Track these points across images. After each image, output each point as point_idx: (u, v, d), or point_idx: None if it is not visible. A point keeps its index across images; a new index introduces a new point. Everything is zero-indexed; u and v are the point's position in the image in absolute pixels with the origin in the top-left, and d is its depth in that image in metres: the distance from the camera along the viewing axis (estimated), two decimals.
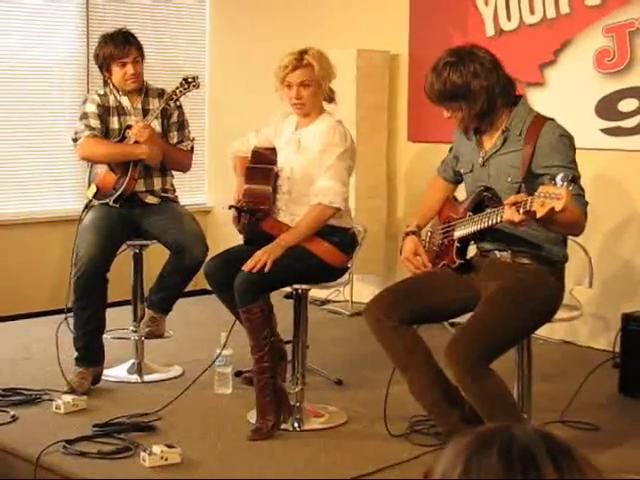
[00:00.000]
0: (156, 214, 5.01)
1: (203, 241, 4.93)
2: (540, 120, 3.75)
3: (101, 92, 5.09)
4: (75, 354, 4.91)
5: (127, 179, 4.95)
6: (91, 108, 5.04)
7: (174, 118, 5.12)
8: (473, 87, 3.68)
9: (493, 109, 3.75)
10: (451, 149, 4.15)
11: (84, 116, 5.04)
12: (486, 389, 3.62)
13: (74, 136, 5.06)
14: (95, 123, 5.01)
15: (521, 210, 3.31)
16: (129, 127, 4.98)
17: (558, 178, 3.23)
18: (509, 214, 3.35)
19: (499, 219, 3.53)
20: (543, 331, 5.56)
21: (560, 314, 3.92)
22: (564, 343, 5.86)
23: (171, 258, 4.97)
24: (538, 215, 3.22)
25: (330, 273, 4.49)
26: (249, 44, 7.42)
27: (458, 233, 3.86)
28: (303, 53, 4.43)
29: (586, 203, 3.61)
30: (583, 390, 4.67)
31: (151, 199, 5.06)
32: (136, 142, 4.92)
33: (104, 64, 5.03)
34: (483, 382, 3.60)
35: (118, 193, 4.97)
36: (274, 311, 4.47)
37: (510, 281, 3.73)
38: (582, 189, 3.61)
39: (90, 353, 4.92)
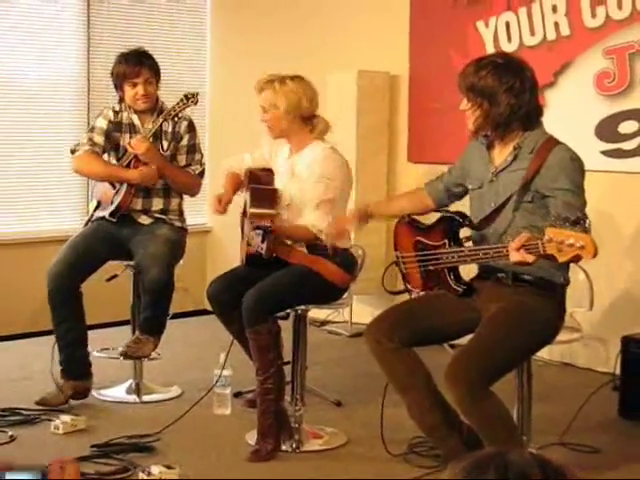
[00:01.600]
0: (140, 234, 5.01)
1: (161, 263, 4.86)
2: (552, 142, 3.76)
3: (117, 108, 5.13)
4: (61, 368, 4.96)
5: (122, 195, 4.98)
6: (100, 123, 5.08)
7: (184, 141, 5.10)
8: (500, 98, 3.70)
9: (508, 126, 3.76)
10: (450, 169, 4.13)
11: (91, 129, 5.11)
12: (486, 411, 3.61)
13: (73, 147, 5.10)
14: (98, 139, 5.05)
15: (533, 254, 3.33)
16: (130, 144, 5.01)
17: (571, 218, 3.28)
18: (520, 257, 3.38)
19: (504, 260, 3.54)
20: (543, 353, 5.57)
21: (560, 336, 3.91)
22: (564, 365, 5.85)
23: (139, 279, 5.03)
24: (561, 260, 3.26)
25: (334, 293, 4.51)
26: (250, 64, 7.43)
27: (449, 264, 3.85)
28: (270, 81, 4.48)
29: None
30: (583, 412, 4.66)
31: (143, 219, 5.07)
32: (135, 157, 4.93)
33: (117, 82, 5.07)
34: (483, 404, 3.60)
35: (112, 208, 5.00)
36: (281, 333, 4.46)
37: (511, 303, 3.73)
38: (585, 218, 3.61)
39: (71, 366, 4.94)
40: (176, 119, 5.07)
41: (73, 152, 5.09)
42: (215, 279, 4.58)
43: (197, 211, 7.47)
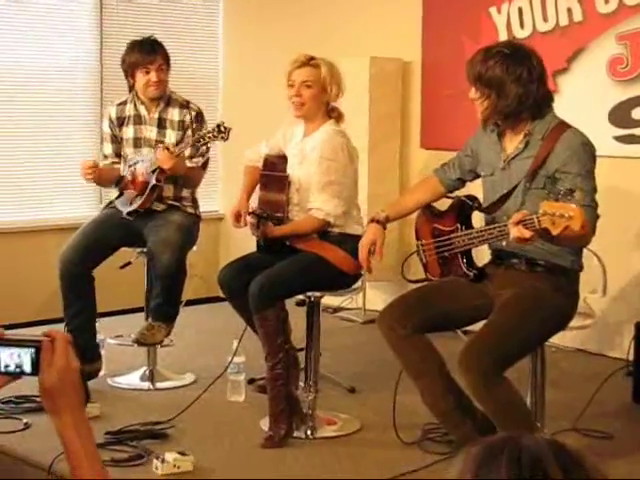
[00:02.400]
0: (154, 220, 5.02)
1: (173, 249, 4.87)
2: (563, 126, 3.75)
3: (122, 99, 5.16)
4: None
5: (143, 199, 5.00)
6: (105, 127, 5.22)
7: (190, 132, 5.10)
8: (508, 88, 3.68)
9: (517, 116, 3.76)
10: (460, 155, 4.12)
11: (102, 138, 5.28)
12: (500, 397, 3.61)
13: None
14: (108, 149, 5.20)
15: (530, 228, 3.32)
16: (161, 142, 5.01)
17: (562, 190, 3.27)
18: (517, 232, 3.36)
19: (506, 238, 3.54)
20: (556, 339, 5.55)
21: (574, 322, 3.91)
22: (577, 351, 5.84)
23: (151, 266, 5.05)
24: (554, 233, 3.24)
25: (344, 280, 4.50)
26: (262, 51, 7.44)
27: (461, 248, 3.86)
28: (318, 58, 4.46)
29: (597, 217, 3.60)
30: (596, 398, 4.65)
31: (157, 205, 5.08)
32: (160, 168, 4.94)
33: (129, 70, 5.08)
34: (497, 390, 3.60)
35: (131, 209, 5.03)
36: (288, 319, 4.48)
37: (524, 289, 3.73)
38: (595, 202, 3.61)
39: (79, 350, 4.94)
40: (184, 109, 5.10)
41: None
42: (226, 265, 4.59)
43: (210, 198, 7.48)
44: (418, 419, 4.33)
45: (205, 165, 5.20)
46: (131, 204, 5.04)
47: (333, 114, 4.52)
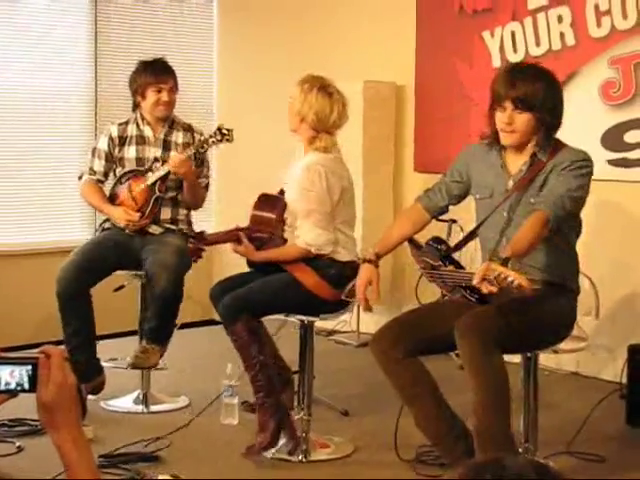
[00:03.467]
0: (151, 243, 5.04)
1: (170, 272, 4.87)
2: (560, 145, 3.81)
3: (122, 120, 5.19)
4: None
5: (148, 212, 5.03)
6: (102, 144, 5.18)
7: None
8: (559, 109, 3.79)
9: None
10: (446, 173, 4.12)
11: (92, 153, 5.21)
12: (493, 368, 3.58)
13: (80, 173, 5.26)
14: (99, 166, 5.16)
15: (494, 285, 3.38)
16: (157, 160, 5.05)
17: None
18: (485, 290, 3.42)
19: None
20: (549, 362, 5.59)
21: (567, 345, 3.93)
22: (571, 374, 5.85)
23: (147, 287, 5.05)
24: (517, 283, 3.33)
25: (323, 305, 4.45)
26: (255, 74, 7.47)
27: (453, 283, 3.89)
28: (318, 82, 4.48)
29: (563, 215, 3.66)
30: (590, 421, 4.66)
31: (154, 229, 5.10)
32: (166, 176, 4.99)
33: (139, 89, 5.11)
34: (492, 359, 3.57)
35: (134, 228, 5.06)
36: (270, 335, 4.48)
37: (522, 295, 3.77)
38: (569, 203, 3.67)
39: (77, 369, 4.96)
40: (188, 131, 5.16)
41: (80, 178, 5.25)
42: (219, 281, 4.63)
43: (204, 218, 7.49)
44: (413, 441, 4.32)
45: (207, 187, 5.25)
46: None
47: (319, 144, 4.50)
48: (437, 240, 3.96)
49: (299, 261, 4.41)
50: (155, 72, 5.09)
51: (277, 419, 4.37)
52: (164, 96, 5.08)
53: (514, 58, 6.06)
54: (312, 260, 4.41)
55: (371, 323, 6.40)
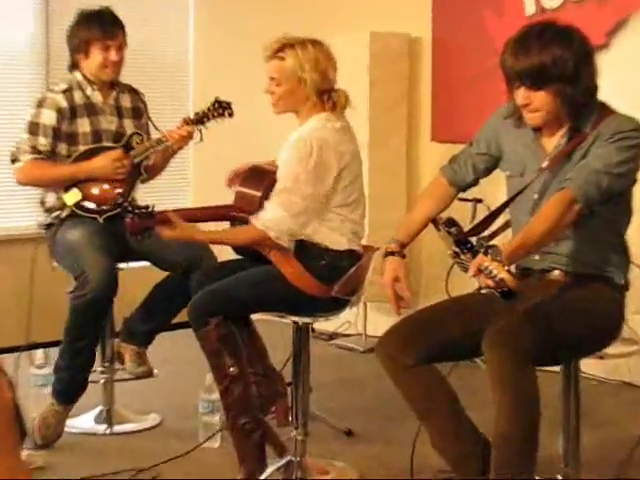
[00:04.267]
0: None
1: (212, 251, 4.92)
2: (605, 112, 3.76)
3: (63, 86, 5.07)
4: (54, 386, 4.96)
5: (131, 196, 4.99)
6: (49, 119, 5.00)
7: (144, 119, 5.19)
8: (581, 77, 3.69)
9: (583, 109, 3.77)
10: (472, 142, 4.09)
11: (34, 130, 5.00)
12: (524, 387, 3.55)
13: (13, 156, 5.05)
14: (44, 143, 4.99)
15: (490, 278, 3.36)
16: (137, 134, 5.04)
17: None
18: (483, 283, 3.42)
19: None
20: (596, 369, 5.56)
21: (615, 349, 3.90)
22: (622, 384, 5.85)
23: (174, 279, 4.95)
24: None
25: (312, 303, 4.39)
26: (240, 22, 7.43)
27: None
28: (287, 45, 4.42)
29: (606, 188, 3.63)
30: None
31: None
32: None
33: (81, 46, 5.03)
34: (525, 380, 3.54)
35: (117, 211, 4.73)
36: (258, 338, 4.48)
37: (563, 292, 3.73)
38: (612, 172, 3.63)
39: (72, 388, 4.98)
40: (133, 94, 5.19)
41: (14, 162, 5.05)
42: (201, 271, 4.64)
43: (180, 203, 7.46)
44: (429, 462, 4.26)
45: None
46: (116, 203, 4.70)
47: (327, 103, 4.50)
48: (449, 222, 3.90)
49: (282, 247, 4.34)
50: (102, 25, 5.01)
51: (256, 442, 4.35)
52: (112, 55, 5.01)
53: (550, 4, 6.04)
54: (301, 248, 4.36)
55: (380, 324, 6.36)
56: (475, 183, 4.12)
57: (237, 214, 4.43)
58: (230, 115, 5.00)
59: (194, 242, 4.49)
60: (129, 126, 5.09)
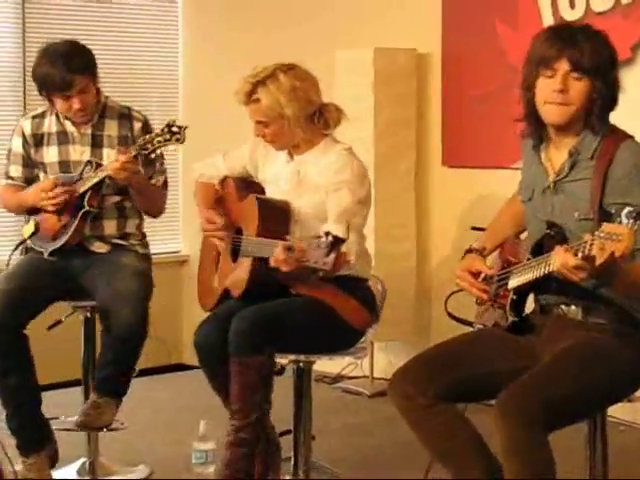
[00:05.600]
0: (96, 267, 4.98)
1: (135, 303, 4.83)
2: (616, 138, 3.73)
3: (38, 111, 5.10)
4: (15, 441, 4.90)
5: (72, 230, 4.95)
6: (16, 145, 5.10)
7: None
8: (612, 74, 3.73)
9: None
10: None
11: (8, 156, 5.16)
12: (536, 461, 3.53)
13: None
14: (16, 171, 5.12)
15: (579, 254, 3.29)
16: (90, 163, 4.99)
17: (624, 213, 3.21)
18: (561, 258, 3.35)
19: (550, 267, 3.51)
20: (625, 413, 5.53)
21: None
22: None
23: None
24: (597, 262, 3.21)
25: (349, 337, 4.50)
26: (234, 37, 7.44)
27: (513, 282, 3.84)
28: (258, 84, 4.43)
29: None
30: None
31: (98, 246, 5.03)
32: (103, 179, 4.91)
33: (43, 92, 5.00)
34: (536, 449, 3.51)
35: (57, 245, 4.94)
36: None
37: (583, 339, 3.70)
38: None
39: (33, 432, 4.93)
40: (125, 119, 5.06)
41: None
42: (202, 323, 4.54)
43: (169, 235, 7.45)
44: None
45: (165, 185, 5.17)
46: (55, 239, 4.98)
47: (318, 124, 4.53)
48: (551, 223, 3.87)
49: (324, 282, 4.34)
50: (56, 73, 4.89)
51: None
52: (75, 104, 4.93)
53: (571, 16, 6.04)
54: (337, 280, 4.35)
55: (388, 366, 6.37)
56: None
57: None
58: (178, 141, 4.84)
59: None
60: (110, 156, 5.02)
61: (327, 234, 3.87)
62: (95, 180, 4.91)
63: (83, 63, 4.96)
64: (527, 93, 3.78)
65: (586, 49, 3.67)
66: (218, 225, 4.63)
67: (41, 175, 5.10)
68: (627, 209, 3.23)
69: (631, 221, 3.18)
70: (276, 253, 4.01)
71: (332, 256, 3.87)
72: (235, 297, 4.50)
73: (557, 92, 3.69)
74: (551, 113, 3.75)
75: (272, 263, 4.06)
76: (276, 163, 4.63)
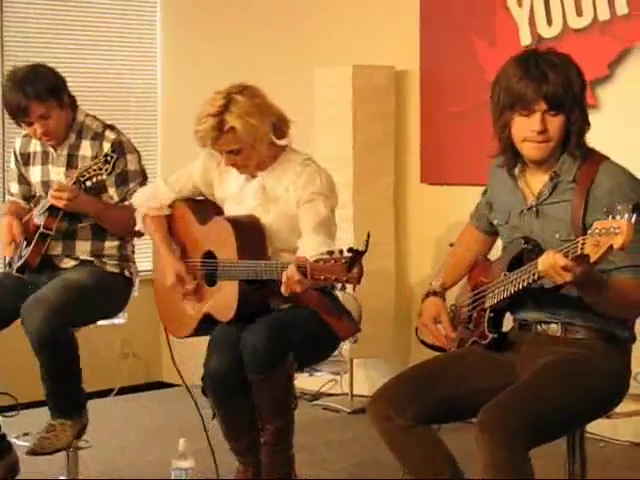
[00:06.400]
0: (53, 279, 4.97)
1: (45, 307, 4.73)
2: (594, 160, 3.74)
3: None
4: None
5: (29, 252, 4.96)
6: (12, 163, 5.24)
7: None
8: (583, 104, 3.73)
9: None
10: (484, 192, 4.12)
11: (8, 175, 5.35)
12: (518, 477, 3.54)
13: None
14: (14, 188, 5.23)
15: (570, 255, 3.31)
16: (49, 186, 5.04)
17: (619, 208, 3.22)
18: (550, 259, 3.35)
19: (535, 275, 3.52)
20: (605, 430, 5.55)
21: (626, 406, 3.89)
22: (632, 445, 5.81)
23: None
24: (593, 259, 3.22)
25: (330, 348, 4.60)
26: (212, 50, 7.46)
27: (490, 300, 3.85)
28: (222, 113, 4.39)
29: None
30: None
31: (66, 262, 5.04)
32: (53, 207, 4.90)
33: (12, 117, 5.04)
34: (517, 465, 3.54)
35: (19, 263, 4.99)
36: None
37: (561, 355, 3.72)
38: None
39: None
40: (97, 140, 5.02)
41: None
42: (210, 352, 4.48)
43: (144, 254, 7.44)
44: None
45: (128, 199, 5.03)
46: (21, 257, 5.01)
47: (277, 133, 4.55)
48: (527, 239, 3.88)
49: (316, 294, 4.39)
50: (12, 106, 4.93)
51: None
52: (37, 129, 4.93)
53: (548, 33, 6.06)
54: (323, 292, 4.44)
55: (368, 383, 6.37)
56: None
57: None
58: (107, 172, 4.83)
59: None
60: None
61: (349, 249, 4.05)
62: (47, 205, 4.92)
63: (42, 89, 4.91)
64: (503, 130, 3.78)
65: (560, 85, 3.64)
66: (188, 289, 4.61)
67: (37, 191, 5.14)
68: (620, 206, 3.24)
69: (626, 215, 3.18)
70: (289, 274, 4.03)
71: (356, 270, 4.02)
72: (224, 322, 4.48)
73: (537, 132, 3.71)
74: (531, 151, 3.74)
75: (284, 285, 4.08)
76: (234, 180, 4.62)
